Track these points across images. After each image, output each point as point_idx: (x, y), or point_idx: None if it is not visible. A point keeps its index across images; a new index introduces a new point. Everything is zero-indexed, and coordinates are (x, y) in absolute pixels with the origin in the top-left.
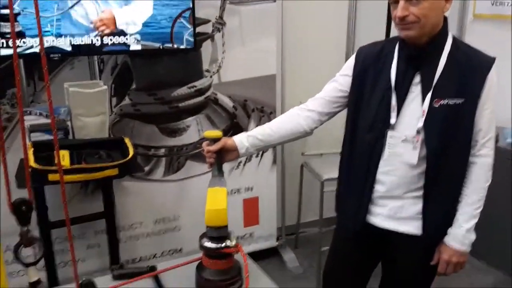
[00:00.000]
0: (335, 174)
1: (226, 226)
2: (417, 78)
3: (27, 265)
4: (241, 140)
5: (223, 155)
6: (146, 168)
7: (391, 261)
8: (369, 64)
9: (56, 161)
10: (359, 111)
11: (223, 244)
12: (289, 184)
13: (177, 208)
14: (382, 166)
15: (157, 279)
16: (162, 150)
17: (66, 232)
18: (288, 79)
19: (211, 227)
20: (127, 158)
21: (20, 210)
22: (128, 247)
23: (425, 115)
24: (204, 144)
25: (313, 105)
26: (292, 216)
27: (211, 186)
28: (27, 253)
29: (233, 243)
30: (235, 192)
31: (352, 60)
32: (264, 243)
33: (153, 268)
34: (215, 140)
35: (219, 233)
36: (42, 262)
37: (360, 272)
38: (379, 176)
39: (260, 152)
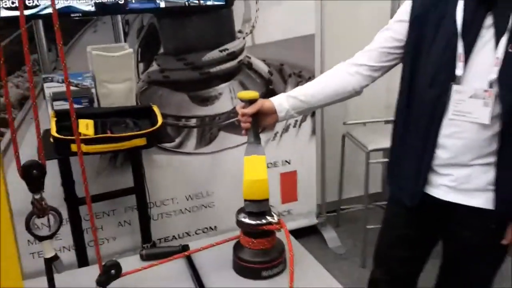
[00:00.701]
0: (381, 144)
1: (267, 200)
2: (489, 20)
3: (41, 239)
4: (280, 102)
5: (260, 119)
6: (177, 140)
7: (455, 239)
8: (430, 6)
9: (78, 130)
10: (417, 63)
11: (265, 220)
12: (329, 157)
13: (210, 183)
14: (446, 128)
15: (189, 260)
16: (193, 121)
17: (94, 208)
18: (328, 39)
19: (250, 200)
20: (156, 127)
21: (30, 174)
22: (160, 225)
23: (499, 64)
24: (238, 106)
25: (363, 58)
26: (332, 192)
27: (247, 155)
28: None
29: (276, 219)
30: (271, 166)
31: (408, 3)
32: (303, 220)
33: (185, 248)
34: (250, 102)
35: (259, 207)
36: (71, 242)
37: (417, 251)
38: (442, 139)
39: (298, 122)
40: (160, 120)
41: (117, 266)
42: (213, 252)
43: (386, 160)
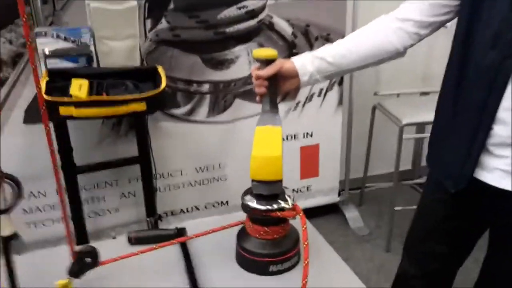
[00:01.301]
0: (417, 118)
1: (280, 181)
2: None
3: None
4: (303, 63)
5: (278, 83)
6: (188, 107)
7: (507, 231)
8: None
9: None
10: (477, 17)
11: (276, 205)
12: (356, 130)
13: (223, 155)
14: (508, 100)
15: (184, 248)
16: (206, 86)
17: (96, 178)
18: None
19: (259, 181)
20: (157, 91)
21: None
22: (167, 198)
23: None
24: (253, 68)
25: (409, 12)
26: (357, 168)
27: (260, 125)
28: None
29: (290, 203)
30: (291, 138)
31: None
32: (323, 198)
33: (181, 232)
34: (267, 62)
35: (270, 189)
36: (67, 213)
37: (458, 245)
38: (502, 113)
39: (324, 91)
40: (164, 82)
41: (93, 254)
42: (214, 238)
43: (421, 135)
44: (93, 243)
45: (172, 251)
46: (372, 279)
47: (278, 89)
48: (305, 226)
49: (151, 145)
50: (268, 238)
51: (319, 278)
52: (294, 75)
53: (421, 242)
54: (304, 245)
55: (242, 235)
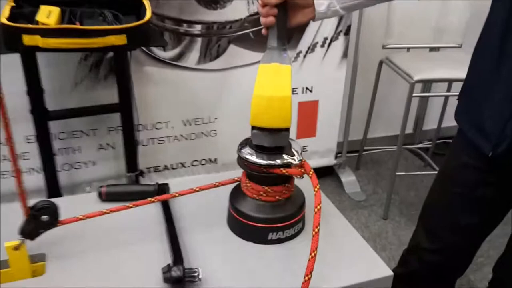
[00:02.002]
0: (430, 74)
1: (287, 130)
2: None
3: None
4: None
5: (288, 14)
6: (176, 51)
7: None
8: None
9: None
10: None
11: (280, 161)
12: (361, 86)
13: (214, 107)
14: None
15: (166, 207)
16: (198, 27)
17: (71, 126)
18: None
19: (261, 129)
20: (140, 22)
21: None
22: (150, 152)
23: None
24: None
25: None
26: (357, 129)
27: (265, 62)
28: None
29: (297, 159)
30: None
31: None
32: (318, 160)
33: (162, 189)
34: None
35: (274, 140)
36: (39, 165)
37: (488, 217)
38: None
39: (328, 41)
40: (148, 14)
41: (51, 210)
42: (202, 197)
43: (433, 94)
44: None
45: (151, 211)
46: None
47: (288, 21)
48: (317, 187)
49: (134, 92)
50: (269, 200)
51: (326, 248)
52: (308, 4)
53: (443, 211)
54: (315, 211)
55: (237, 195)
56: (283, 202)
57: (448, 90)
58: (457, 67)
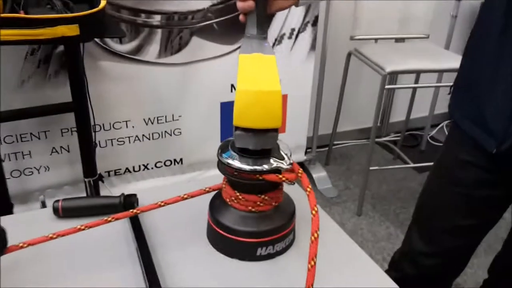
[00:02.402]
0: (402, 65)
1: (276, 130)
2: None
3: None
4: None
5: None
6: (134, 44)
7: None
8: None
9: None
10: None
11: (267, 166)
12: (329, 79)
13: (177, 104)
14: None
15: (135, 222)
16: (157, 17)
17: (19, 128)
18: None
19: (246, 129)
20: (94, 10)
21: None
22: (110, 154)
23: None
24: None
25: None
26: (326, 123)
27: (245, 52)
28: None
29: (287, 162)
30: None
31: None
32: None
33: (128, 202)
34: None
35: (262, 142)
36: None
37: (489, 214)
38: None
39: (295, 32)
40: (103, 1)
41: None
42: (174, 208)
43: (407, 86)
44: (16, 209)
45: (117, 226)
46: None
47: (268, 7)
48: (309, 188)
49: (88, 89)
50: (258, 209)
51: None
52: None
53: (442, 213)
54: (313, 213)
55: (218, 204)
56: (272, 211)
57: (416, 81)
58: (427, 58)
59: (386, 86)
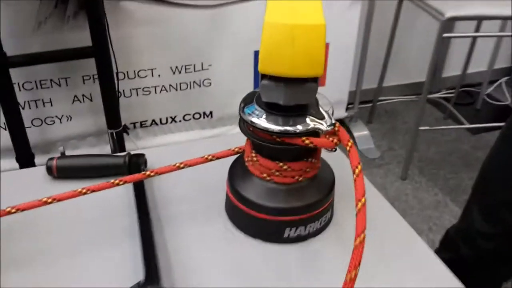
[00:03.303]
0: (465, 10)
1: (316, 80)
2: None
3: None
4: None
5: None
6: None
7: None
8: None
9: None
10: None
11: (301, 126)
12: (377, 26)
13: (207, 51)
14: None
15: (139, 188)
16: None
17: (38, 74)
18: None
19: (277, 78)
20: None
21: None
22: (135, 104)
23: None
24: None
25: None
26: (371, 76)
27: None
28: None
29: (328, 122)
30: None
31: None
32: None
33: (135, 163)
34: None
35: (297, 96)
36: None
37: None
38: None
39: None
40: None
41: None
42: (190, 173)
43: (467, 34)
44: (38, 160)
45: (119, 193)
46: None
47: None
48: (350, 143)
49: (110, 33)
50: (285, 181)
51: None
52: None
53: (510, 189)
54: (356, 174)
55: (238, 173)
56: (305, 184)
57: (477, 30)
58: (491, 3)
59: (444, 35)
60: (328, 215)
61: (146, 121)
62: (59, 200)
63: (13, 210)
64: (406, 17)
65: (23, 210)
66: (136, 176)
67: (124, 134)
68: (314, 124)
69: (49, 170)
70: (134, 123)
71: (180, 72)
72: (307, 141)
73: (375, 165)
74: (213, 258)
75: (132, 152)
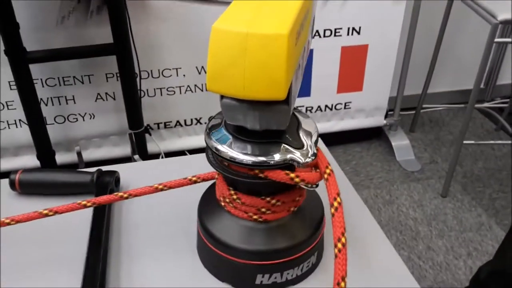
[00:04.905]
0: None
1: (287, 102)
2: None
3: None
4: None
5: None
6: None
7: None
8: None
9: None
10: None
11: (281, 154)
12: (423, 27)
13: None
14: None
15: (99, 213)
16: None
17: (61, 71)
18: None
19: (233, 98)
20: None
21: None
22: (158, 104)
23: None
24: None
25: None
26: (412, 82)
27: None
28: None
29: (306, 152)
30: (330, 34)
31: None
32: (364, 120)
33: (102, 182)
34: None
35: (265, 121)
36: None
37: None
38: None
39: None
40: None
41: None
42: (166, 194)
43: None
44: (59, 157)
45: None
46: (420, 232)
47: None
48: (338, 200)
49: (133, 30)
50: (264, 218)
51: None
52: None
53: None
54: (338, 247)
55: (209, 205)
56: (286, 219)
57: None
58: None
59: (496, 39)
60: (312, 259)
61: (170, 122)
62: (18, 222)
63: None
64: (457, 18)
65: None
66: (108, 197)
67: (147, 135)
68: (288, 155)
69: (12, 184)
70: (158, 124)
71: (206, 72)
72: (288, 176)
73: (413, 179)
74: None
75: (104, 169)
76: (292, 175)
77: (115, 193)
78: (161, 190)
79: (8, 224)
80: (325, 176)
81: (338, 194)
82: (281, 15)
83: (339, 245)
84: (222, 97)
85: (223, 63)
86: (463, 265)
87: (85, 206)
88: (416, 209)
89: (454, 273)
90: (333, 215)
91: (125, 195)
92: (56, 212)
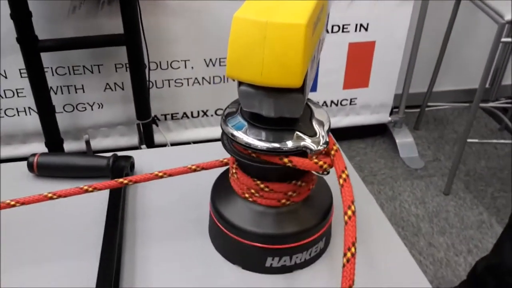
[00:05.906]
0: None
1: (302, 90)
2: None
3: None
4: None
5: None
6: None
7: None
8: None
9: None
10: None
11: (293, 142)
12: (430, 25)
13: None
14: None
15: (115, 197)
16: None
17: (71, 60)
18: None
19: (250, 86)
20: None
21: None
22: (166, 96)
23: None
24: None
25: None
26: (421, 79)
27: None
28: None
29: (319, 140)
30: (337, 30)
31: None
32: (369, 116)
33: (118, 166)
34: None
35: (279, 108)
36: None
37: None
38: None
39: None
40: None
41: None
42: (183, 182)
43: None
44: (67, 145)
45: (100, 197)
46: (421, 228)
47: None
48: (352, 206)
49: (143, 22)
50: (267, 203)
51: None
52: None
53: None
54: (347, 256)
55: (222, 190)
56: (295, 208)
57: None
58: None
59: (503, 39)
60: (320, 245)
61: (177, 113)
62: (23, 203)
63: None
64: (464, 17)
65: None
66: (109, 183)
67: (154, 126)
68: (301, 142)
69: (30, 166)
70: (165, 115)
71: (214, 65)
72: (285, 160)
73: (416, 176)
74: (183, 281)
75: (120, 154)
76: (321, 162)
77: (115, 179)
78: (161, 177)
79: (13, 205)
80: (341, 181)
81: (353, 202)
82: (299, 7)
83: (348, 254)
84: (239, 84)
85: (242, 51)
86: (463, 261)
87: (86, 191)
88: (418, 205)
89: (454, 269)
90: (346, 222)
91: (125, 181)
92: (59, 196)
